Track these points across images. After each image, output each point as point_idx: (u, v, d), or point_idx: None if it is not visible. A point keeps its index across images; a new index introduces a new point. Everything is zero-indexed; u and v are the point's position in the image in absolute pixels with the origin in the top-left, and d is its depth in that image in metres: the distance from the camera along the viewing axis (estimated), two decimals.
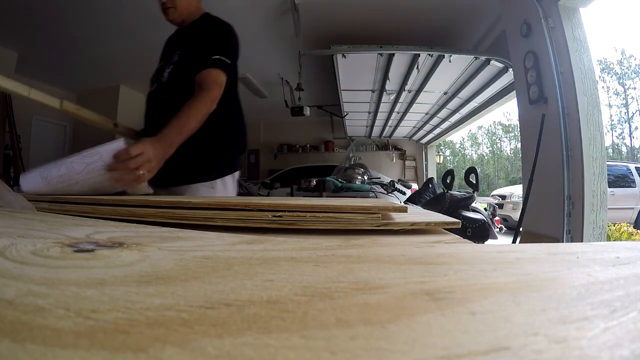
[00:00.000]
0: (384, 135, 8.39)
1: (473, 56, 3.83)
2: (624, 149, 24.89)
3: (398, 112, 6.27)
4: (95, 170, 0.74)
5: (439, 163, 9.98)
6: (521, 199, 2.79)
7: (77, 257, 0.21)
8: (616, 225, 4.21)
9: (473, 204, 2.68)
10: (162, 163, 0.98)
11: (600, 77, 24.07)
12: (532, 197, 2.53)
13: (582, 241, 2.18)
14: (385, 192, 2.89)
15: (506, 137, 31.34)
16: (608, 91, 24.93)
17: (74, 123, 6.43)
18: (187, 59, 1.22)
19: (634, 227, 4.58)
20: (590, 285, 0.18)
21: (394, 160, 8.79)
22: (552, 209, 2.38)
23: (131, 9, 3.70)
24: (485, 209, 3.20)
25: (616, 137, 25.07)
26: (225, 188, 1.30)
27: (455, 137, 33.90)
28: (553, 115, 2.41)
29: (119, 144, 0.79)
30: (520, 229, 2.62)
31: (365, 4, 3.65)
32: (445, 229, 0.52)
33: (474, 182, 2.74)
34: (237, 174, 1.38)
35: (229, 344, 0.11)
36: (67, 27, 4.12)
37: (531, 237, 2.56)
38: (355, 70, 4.30)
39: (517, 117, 3.01)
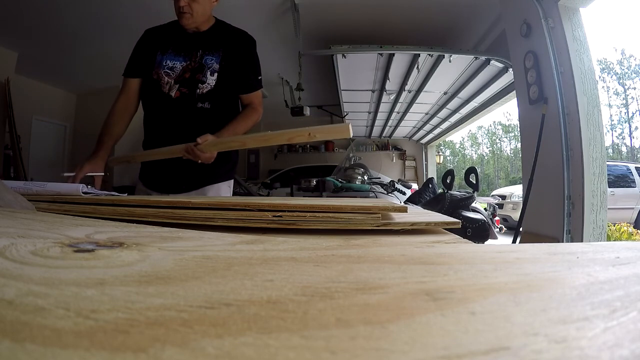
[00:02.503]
0: (384, 135, 8.40)
1: (473, 56, 3.83)
2: (624, 149, 24.89)
3: (398, 112, 6.27)
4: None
5: (439, 163, 9.98)
6: (521, 199, 2.79)
7: (77, 257, 0.21)
8: (616, 225, 4.21)
9: (473, 204, 2.68)
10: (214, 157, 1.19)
11: (600, 77, 24.05)
12: (532, 197, 2.53)
13: (582, 241, 2.18)
14: (385, 192, 2.89)
15: (506, 137, 31.34)
16: (608, 91, 24.94)
17: (74, 123, 6.43)
18: (229, 73, 1.27)
19: (634, 227, 4.58)
20: (590, 285, 0.18)
21: (394, 160, 8.79)
22: (552, 209, 2.38)
23: (131, 8, 3.70)
24: (485, 209, 3.19)
25: (616, 137, 25.09)
26: (231, 188, 1.42)
27: (455, 137, 33.87)
28: (553, 115, 2.41)
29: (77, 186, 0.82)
30: (520, 229, 2.62)
31: (365, 4, 3.65)
32: (445, 229, 0.52)
33: (474, 182, 2.73)
34: None
35: (229, 344, 0.11)
36: (67, 27, 4.12)
37: (531, 237, 2.56)
38: (355, 70, 4.30)
39: (517, 117, 3.01)
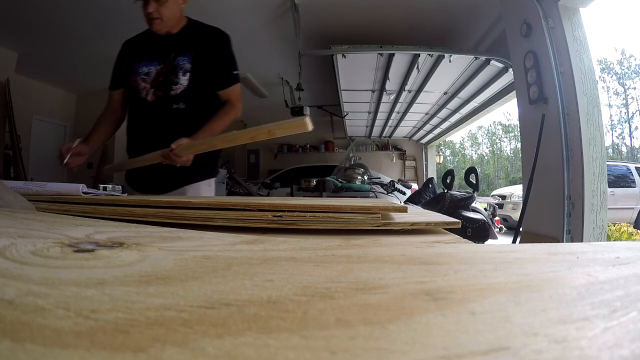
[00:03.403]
0: (384, 135, 8.39)
1: (473, 56, 3.83)
2: (624, 149, 24.89)
3: (398, 112, 6.27)
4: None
5: (439, 163, 9.98)
6: (521, 199, 2.79)
7: (77, 257, 0.21)
8: (616, 225, 4.20)
9: (473, 204, 2.68)
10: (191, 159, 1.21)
11: (600, 77, 24.06)
12: (532, 197, 2.53)
13: (582, 241, 2.18)
14: (385, 192, 2.89)
15: (506, 137, 31.34)
16: (608, 91, 24.94)
17: (74, 123, 6.43)
18: (203, 70, 1.29)
19: (634, 227, 4.58)
20: (590, 285, 0.18)
21: (394, 160, 8.80)
22: (552, 209, 2.38)
23: (131, 8, 3.69)
24: (485, 209, 3.19)
25: (616, 137, 25.09)
26: (212, 187, 1.44)
27: (455, 137, 33.89)
28: (553, 115, 2.41)
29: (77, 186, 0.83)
30: (520, 229, 2.62)
31: (365, 4, 3.65)
32: (445, 229, 0.52)
33: (474, 182, 2.73)
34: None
35: (229, 344, 0.11)
36: (67, 27, 4.11)
37: (531, 237, 2.56)
38: (355, 70, 4.29)
39: (517, 117, 3.01)
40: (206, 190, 1.38)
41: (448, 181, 2.87)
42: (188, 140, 1.15)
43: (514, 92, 3.10)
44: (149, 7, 1.22)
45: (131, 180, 1.39)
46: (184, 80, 1.27)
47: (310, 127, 0.85)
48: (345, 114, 6.03)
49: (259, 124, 0.91)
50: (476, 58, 3.83)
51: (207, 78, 1.29)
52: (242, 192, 4.35)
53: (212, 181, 1.41)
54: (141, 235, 0.31)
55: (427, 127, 7.38)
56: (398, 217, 0.51)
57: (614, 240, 3.74)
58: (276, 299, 0.15)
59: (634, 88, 24.22)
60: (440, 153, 11.39)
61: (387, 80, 4.53)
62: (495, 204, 4.78)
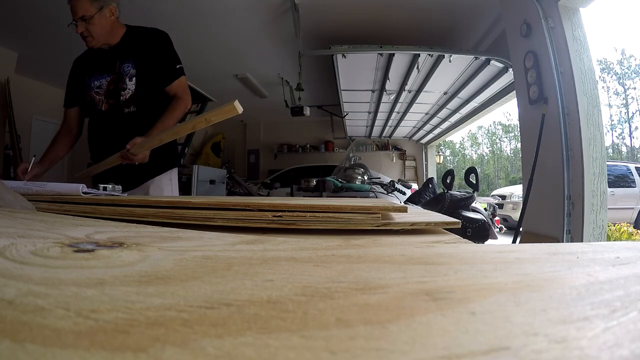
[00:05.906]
0: (384, 135, 8.39)
1: (473, 56, 3.83)
2: (624, 149, 24.88)
3: (398, 112, 6.27)
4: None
5: (439, 163, 9.98)
6: (521, 199, 2.79)
7: (77, 257, 0.21)
8: (616, 225, 4.20)
9: (473, 204, 2.68)
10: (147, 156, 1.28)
11: (600, 77, 24.04)
12: (532, 197, 2.53)
13: (582, 241, 2.18)
14: (385, 192, 2.89)
15: (506, 137, 31.32)
16: (608, 91, 24.92)
17: None
18: (147, 72, 1.36)
19: (634, 227, 4.57)
20: (590, 285, 0.18)
21: (394, 160, 8.80)
22: (552, 209, 2.38)
23: (130, 9, 3.69)
24: (485, 209, 3.19)
25: (616, 137, 25.07)
26: (174, 179, 1.49)
27: (455, 137, 33.84)
28: (553, 115, 2.41)
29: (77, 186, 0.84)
30: (520, 229, 2.62)
31: (365, 4, 3.65)
32: (445, 229, 0.52)
33: (474, 182, 2.73)
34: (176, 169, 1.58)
35: (229, 344, 0.11)
36: (67, 27, 4.11)
37: (531, 237, 2.56)
38: (355, 70, 4.29)
39: (517, 117, 3.01)
40: (167, 183, 1.44)
41: (448, 181, 2.87)
42: (141, 138, 1.22)
43: (514, 92, 3.10)
44: (78, 29, 1.32)
45: (97, 184, 1.45)
46: (131, 85, 1.35)
47: (240, 109, 0.87)
48: (345, 114, 6.03)
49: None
50: (476, 58, 3.83)
51: (153, 78, 1.36)
52: (242, 192, 4.35)
53: (173, 174, 1.47)
54: (141, 235, 0.31)
55: (427, 127, 7.38)
56: (398, 217, 0.51)
57: (614, 240, 3.74)
58: (276, 299, 0.15)
59: (634, 88, 24.21)
60: (440, 153, 11.38)
61: (387, 80, 4.52)
62: (495, 204, 4.78)
